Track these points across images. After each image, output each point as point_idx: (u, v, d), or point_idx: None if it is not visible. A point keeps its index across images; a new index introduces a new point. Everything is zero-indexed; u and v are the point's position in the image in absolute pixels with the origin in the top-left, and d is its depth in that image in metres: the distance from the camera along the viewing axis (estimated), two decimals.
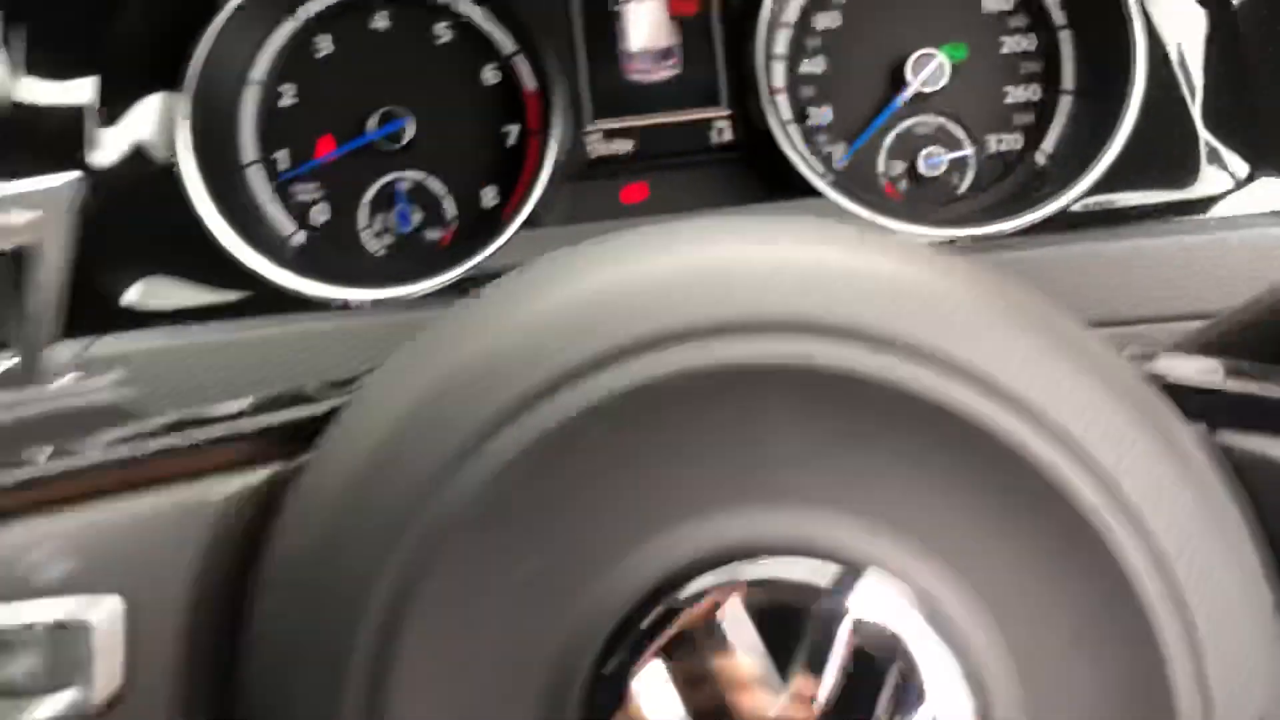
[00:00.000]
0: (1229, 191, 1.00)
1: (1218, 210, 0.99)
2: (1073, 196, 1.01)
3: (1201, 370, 0.47)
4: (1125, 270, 0.92)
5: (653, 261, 0.42)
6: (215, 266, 1.01)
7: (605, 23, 1.14)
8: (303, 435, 0.47)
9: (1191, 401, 0.44)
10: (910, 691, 0.37)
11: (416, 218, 1.14)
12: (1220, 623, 0.38)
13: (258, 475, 0.46)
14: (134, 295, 1.02)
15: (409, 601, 0.39)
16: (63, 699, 0.43)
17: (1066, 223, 1.01)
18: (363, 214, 1.14)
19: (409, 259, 1.14)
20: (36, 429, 0.53)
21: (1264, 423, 0.43)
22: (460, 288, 1.03)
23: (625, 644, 0.39)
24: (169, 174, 1.03)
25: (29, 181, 0.56)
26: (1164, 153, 1.02)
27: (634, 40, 1.13)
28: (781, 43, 1.12)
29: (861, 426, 0.39)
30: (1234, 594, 0.39)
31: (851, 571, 0.38)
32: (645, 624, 0.39)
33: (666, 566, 0.39)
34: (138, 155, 1.03)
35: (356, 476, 0.40)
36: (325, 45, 1.13)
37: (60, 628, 0.44)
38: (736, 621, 0.38)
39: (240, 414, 0.50)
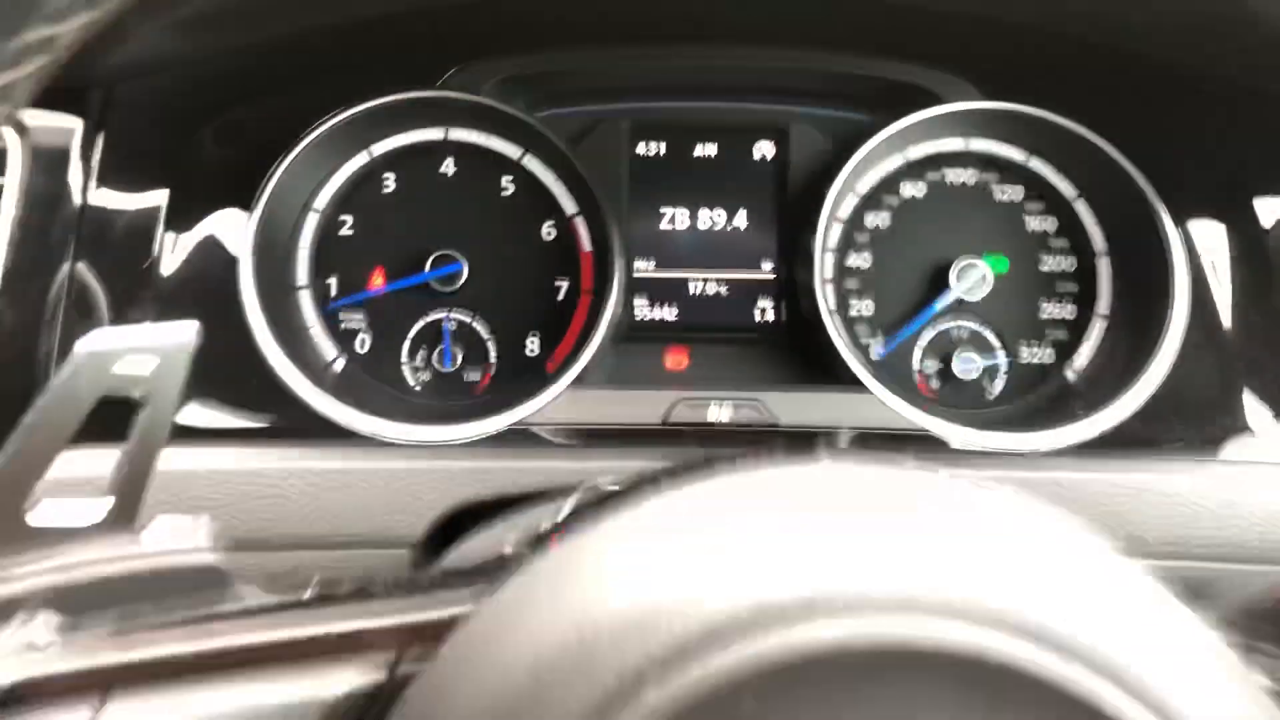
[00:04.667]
0: (1258, 438, 1.04)
1: (1247, 454, 1.02)
2: (1108, 425, 1.04)
3: None
4: (1153, 504, 0.95)
5: (813, 515, 0.42)
6: (262, 388, 1.01)
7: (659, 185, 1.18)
8: (422, 636, 0.47)
9: None
10: None
11: (458, 358, 1.14)
12: None
13: (369, 678, 0.46)
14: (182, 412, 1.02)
15: None
16: None
17: (1097, 443, 1.04)
18: (406, 348, 1.15)
19: (446, 396, 1.14)
20: (139, 586, 0.52)
21: None
22: (500, 438, 1.03)
23: None
24: (227, 289, 1.03)
25: (149, 329, 0.57)
26: (1197, 389, 1.05)
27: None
28: (834, 236, 1.16)
29: (996, 709, 0.39)
30: None
31: None
32: None
33: None
34: (199, 269, 1.04)
35: (503, 709, 0.40)
36: (390, 183, 1.15)
37: None
38: None
39: (351, 597, 0.50)
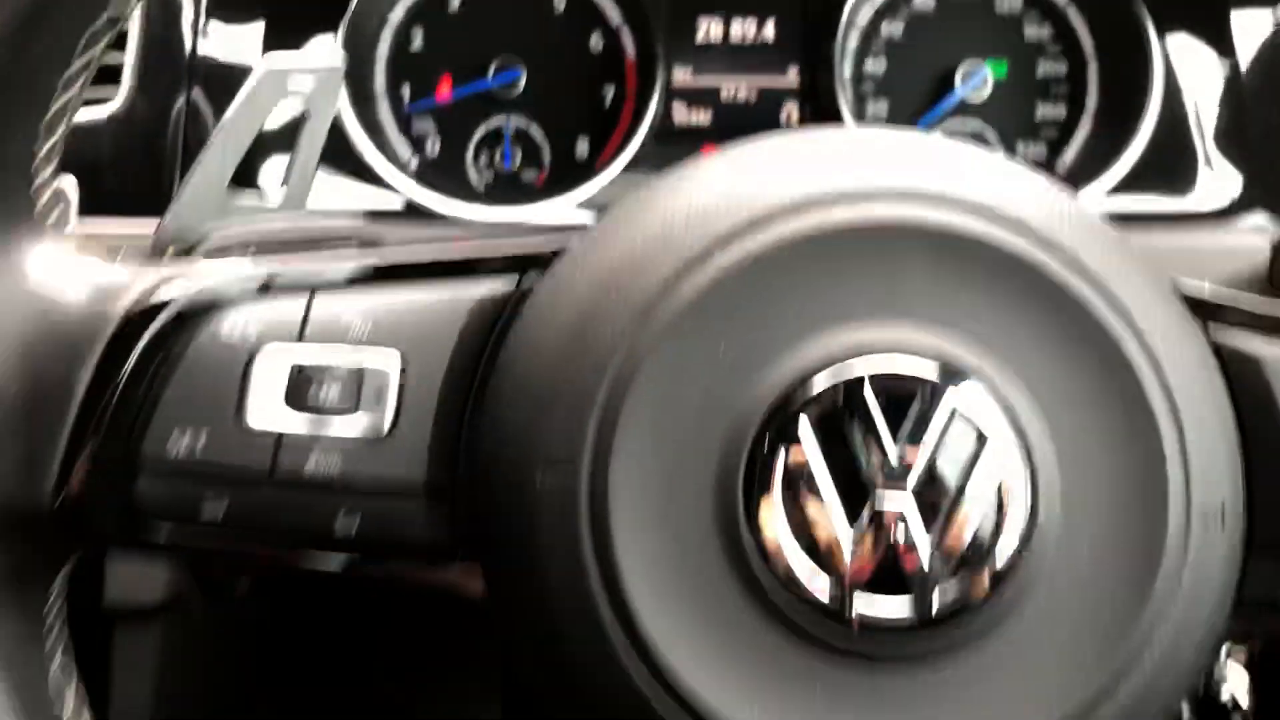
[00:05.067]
0: (1222, 211, 1.19)
1: (1208, 223, 1.18)
2: (1090, 199, 1.19)
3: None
4: None
5: (837, 150, 0.58)
6: (355, 176, 1.18)
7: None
8: (539, 261, 0.63)
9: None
10: (984, 449, 0.54)
11: (518, 158, 1.30)
12: (1200, 431, 0.55)
13: (507, 282, 0.63)
14: None
15: (638, 368, 0.55)
16: (361, 421, 0.59)
17: None
18: (471, 151, 1.30)
19: (507, 194, 1.30)
20: (315, 243, 0.69)
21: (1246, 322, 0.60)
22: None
23: (781, 413, 0.55)
24: None
25: (311, 55, 0.72)
26: (1169, 169, 1.20)
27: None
28: (852, 43, 1.30)
29: (969, 274, 0.55)
30: (1212, 417, 0.56)
31: (951, 370, 0.55)
32: (798, 400, 0.55)
33: (820, 359, 0.56)
34: None
35: (611, 273, 0.57)
36: (455, 2, 1.29)
37: (361, 369, 0.60)
38: (866, 399, 0.55)
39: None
